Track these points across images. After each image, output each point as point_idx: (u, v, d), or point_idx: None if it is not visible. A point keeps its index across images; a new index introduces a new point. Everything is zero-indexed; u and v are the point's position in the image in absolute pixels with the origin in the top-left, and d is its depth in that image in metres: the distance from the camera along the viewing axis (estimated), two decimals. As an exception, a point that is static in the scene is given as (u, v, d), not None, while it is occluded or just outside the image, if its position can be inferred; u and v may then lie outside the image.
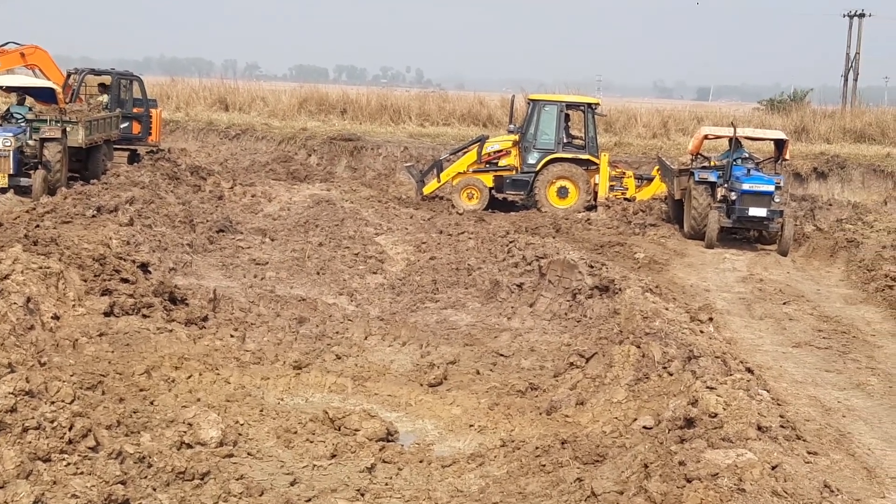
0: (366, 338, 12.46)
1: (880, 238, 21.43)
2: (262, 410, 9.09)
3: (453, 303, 14.65)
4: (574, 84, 43.18)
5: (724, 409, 7.41)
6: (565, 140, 26.46)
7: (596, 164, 26.03)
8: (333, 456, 8.14)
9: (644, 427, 8.21)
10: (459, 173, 26.61)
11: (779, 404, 9.34)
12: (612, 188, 26.09)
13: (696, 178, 22.68)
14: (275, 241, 18.50)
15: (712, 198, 22.48)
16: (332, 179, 29.69)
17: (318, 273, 16.02)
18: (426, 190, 26.96)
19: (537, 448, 8.35)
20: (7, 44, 27.12)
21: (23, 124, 21.72)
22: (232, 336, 11.75)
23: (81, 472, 6.58)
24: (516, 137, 26.58)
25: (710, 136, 24.70)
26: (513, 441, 8.67)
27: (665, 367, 9.44)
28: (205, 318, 12.36)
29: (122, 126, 26.64)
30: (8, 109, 22.65)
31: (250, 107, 40.55)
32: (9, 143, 20.30)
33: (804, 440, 8.62)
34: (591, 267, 14.64)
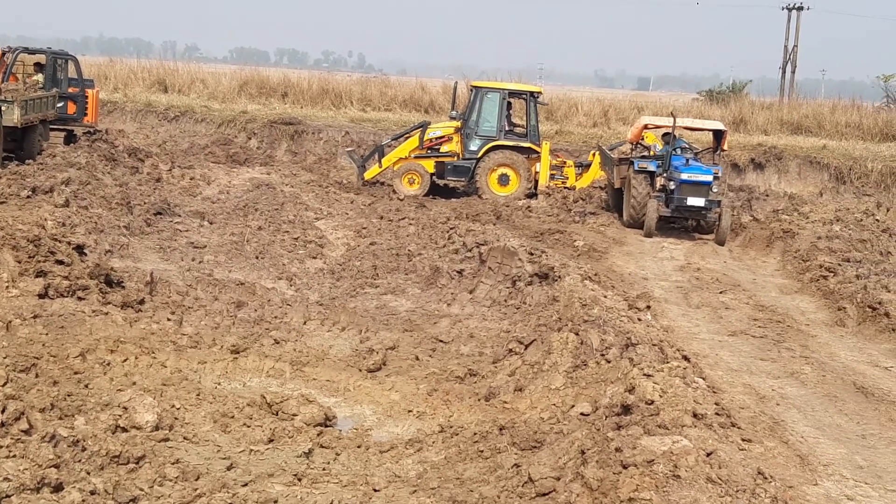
0: (305, 323, 12.41)
1: (815, 229, 21.71)
2: (198, 394, 9.01)
3: (393, 288, 14.63)
4: (516, 71, 43.32)
5: (661, 397, 7.46)
6: (507, 128, 26.53)
7: (537, 152, 26.12)
8: (271, 441, 8.10)
9: (581, 413, 8.24)
10: (401, 159, 26.58)
11: (714, 392, 9.45)
12: (552, 177, 26.21)
13: (636, 168, 22.85)
14: (213, 225, 18.33)
15: (651, 187, 22.67)
16: (273, 163, 29.54)
17: (256, 257, 15.91)
18: (367, 175, 26.89)
19: (475, 434, 8.36)
20: (-60, 20, 26.53)
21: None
22: (169, 319, 11.63)
23: (14, 455, 6.48)
24: (458, 124, 26.60)
25: (650, 126, 24.86)
26: (451, 427, 8.68)
27: (603, 355, 9.49)
28: (141, 302, 12.21)
29: (57, 106, 26.22)
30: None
31: (190, 89, 40.16)
32: (-59, 122, 19.92)
33: (739, 427, 8.72)
34: (531, 254, 14.69)
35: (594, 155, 26.90)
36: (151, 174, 22.78)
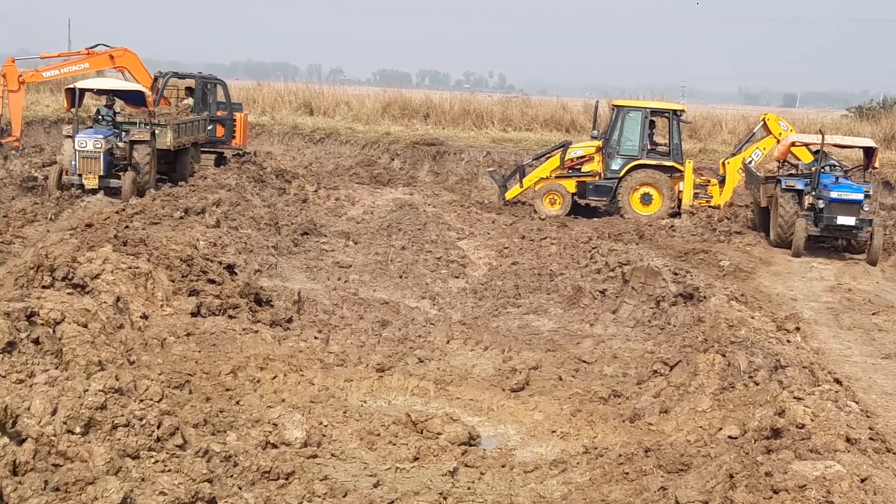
0: (448, 342, 12.49)
1: (973, 249, 20.94)
2: (345, 412, 9.16)
3: (535, 308, 14.62)
4: (658, 90, 42.94)
5: (812, 421, 7.29)
6: (649, 146, 26.27)
7: (680, 171, 25.80)
8: (416, 459, 8.17)
9: (729, 436, 8.11)
10: (542, 178, 26.54)
11: (868, 416, 9.16)
12: (696, 196, 25.83)
13: (783, 186, 22.37)
14: (358, 245, 18.63)
15: (799, 206, 22.15)
16: (415, 184, 29.86)
17: (400, 277, 16.10)
18: (508, 195, 26.94)
19: (620, 455, 8.30)
20: (97, 46, 27.36)
21: (112, 126, 22.14)
22: (316, 338, 11.86)
23: (169, 470, 6.68)
24: (600, 143, 26.44)
25: (798, 144, 24.32)
26: (595, 448, 8.63)
27: (751, 377, 9.33)
28: (289, 320, 12.48)
29: (207, 129, 26.98)
30: (98, 111, 23.06)
31: (334, 111, 40.83)
32: (99, 146, 20.68)
33: (895, 453, 8.46)
34: (676, 274, 14.51)
35: (724, 164, 26.51)
36: (298, 195, 23.30)
